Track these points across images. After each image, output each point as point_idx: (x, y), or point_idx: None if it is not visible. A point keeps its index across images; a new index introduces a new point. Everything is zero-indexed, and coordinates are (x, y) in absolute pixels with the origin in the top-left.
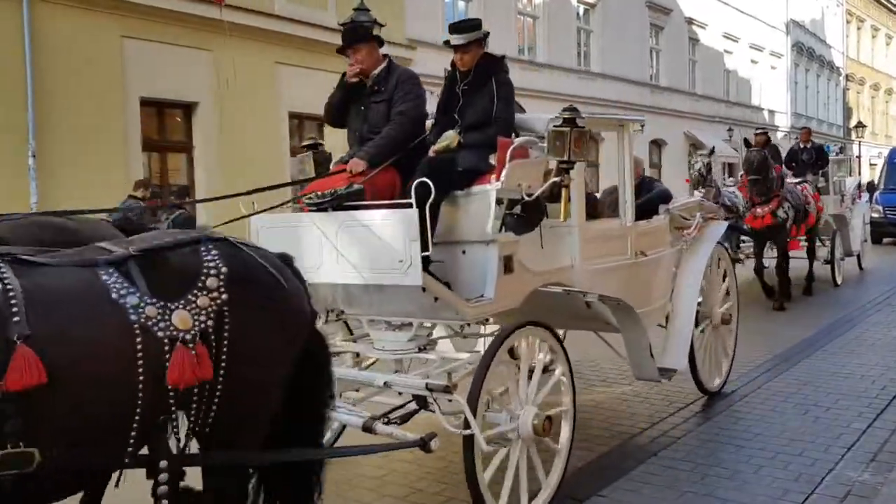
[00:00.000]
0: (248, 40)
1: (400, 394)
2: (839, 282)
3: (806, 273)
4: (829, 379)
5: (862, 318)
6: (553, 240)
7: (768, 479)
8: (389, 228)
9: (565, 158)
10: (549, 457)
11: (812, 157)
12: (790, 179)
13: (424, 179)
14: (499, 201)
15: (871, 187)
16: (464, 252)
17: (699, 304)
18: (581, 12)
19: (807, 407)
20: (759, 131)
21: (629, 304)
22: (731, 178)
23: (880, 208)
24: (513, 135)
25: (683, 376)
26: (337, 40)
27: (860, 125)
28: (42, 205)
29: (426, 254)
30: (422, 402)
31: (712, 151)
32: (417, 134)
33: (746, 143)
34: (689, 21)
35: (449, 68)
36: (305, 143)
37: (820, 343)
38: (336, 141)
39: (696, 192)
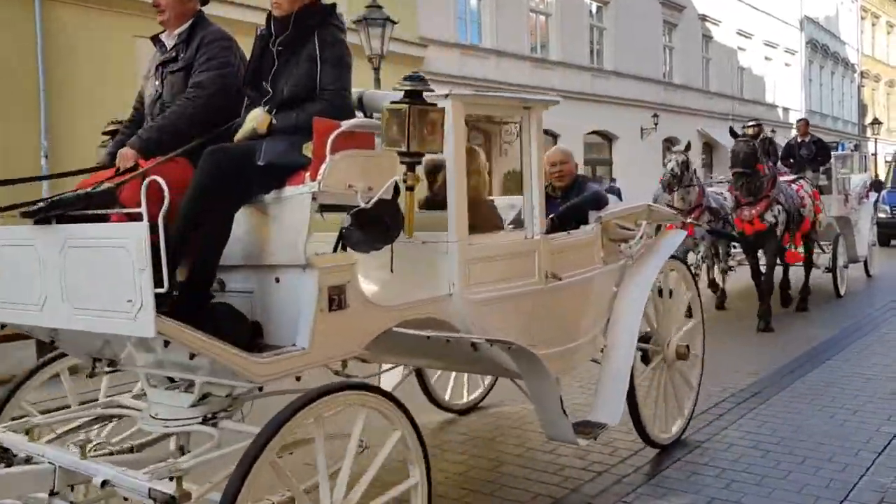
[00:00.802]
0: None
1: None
2: (842, 292)
3: (801, 285)
4: (854, 380)
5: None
6: (422, 261)
7: (798, 486)
8: (115, 252)
9: (403, 149)
10: None
11: (811, 153)
12: (784, 177)
13: (156, 178)
14: (326, 208)
15: (878, 186)
16: (277, 280)
17: (648, 334)
18: (594, 10)
19: (833, 410)
20: (751, 122)
21: (525, 346)
22: (722, 176)
23: (887, 208)
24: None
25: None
26: (350, 39)
27: (876, 122)
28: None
29: (160, 291)
30: None
31: (688, 147)
32: (223, 114)
33: (732, 132)
34: (703, 18)
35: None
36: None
37: (843, 343)
38: None
39: (666, 195)
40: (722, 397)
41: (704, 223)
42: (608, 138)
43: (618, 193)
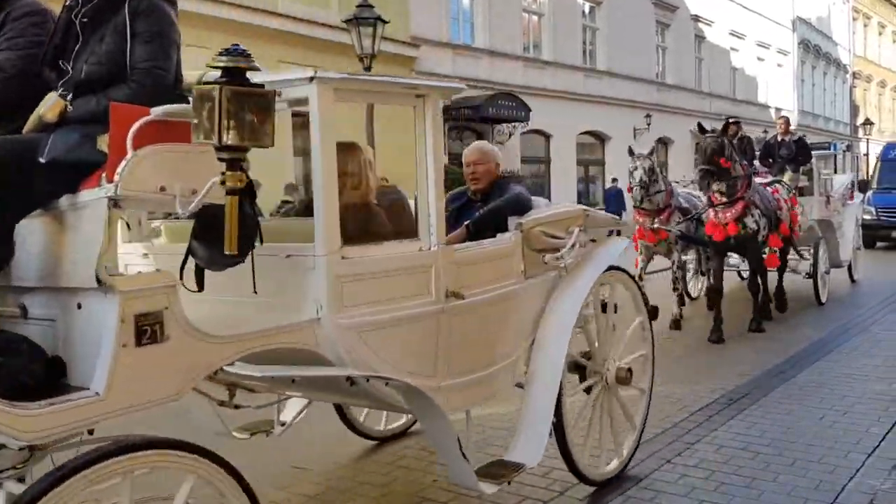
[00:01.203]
0: (249, 38)
1: None
2: (824, 299)
3: (775, 289)
4: (844, 381)
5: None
6: (287, 279)
7: (787, 488)
8: None
9: (214, 141)
10: None
11: (792, 152)
12: (759, 179)
13: None
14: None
15: (863, 186)
16: (79, 305)
17: (585, 356)
18: (587, 10)
19: (823, 411)
20: (731, 119)
21: (414, 379)
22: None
23: (873, 209)
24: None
25: (694, 379)
26: (341, 38)
27: (867, 122)
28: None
29: None
30: None
31: (652, 152)
32: (27, 103)
33: (701, 129)
34: (696, 18)
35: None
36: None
37: (831, 345)
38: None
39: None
40: (712, 398)
41: (675, 226)
42: (601, 138)
43: (619, 194)
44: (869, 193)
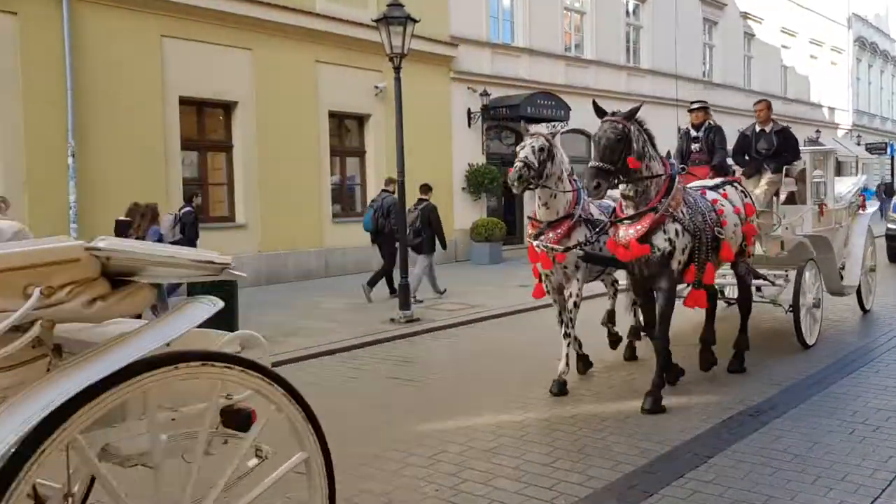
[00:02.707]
0: (288, 39)
1: None
2: (811, 341)
3: (737, 338)
4: (880, 394)
5: None
6: None
7: None
8: None
9: None
10: None
11: (772, 146)
12: (695, 182)
13: None
14: None
15: (889, 190)
16: None
17: None
18: (631, 8)
19: (853, 425)
20: (695, 104)
21: None
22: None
23: None
24: None
25: (720, 389)
26: (377, 37)
27: None
28: (81, 203)
29: None
30: None
31: (558, 129)
32: None
33: (597, 109)
34: (745, 15)
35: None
36: None
37: (871, 355)
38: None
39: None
40: (736, 409)
41: (575, 244)
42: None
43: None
44: (894, 199)
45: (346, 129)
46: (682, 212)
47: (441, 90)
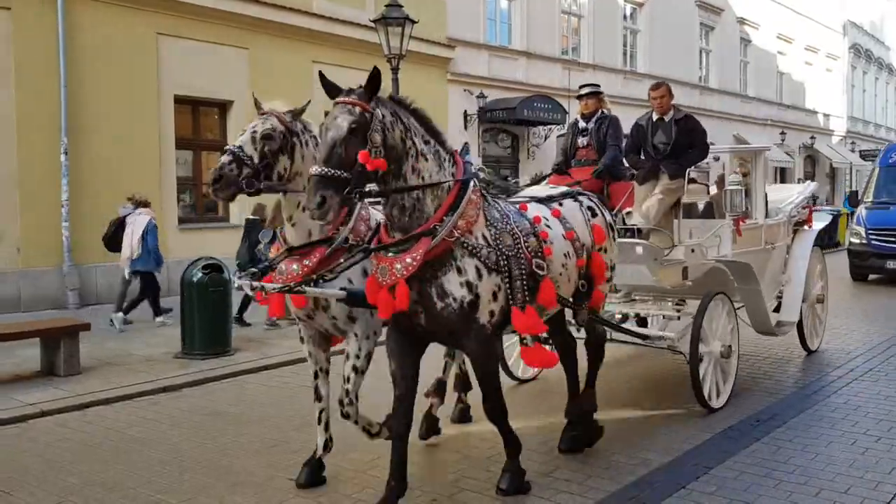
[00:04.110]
0: (285, 38)
1: None
2: (718, 402)
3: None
4: (882, 404)
5: None
6: None
7: None
8: None
9: None
10: None
11: (670, 140)
12: (531, 192)
13: None
14: None
15: (853, 200)
16: None
17: None
18: (628, 12)
19: (855, 436)
20: (584, 88)
21: None
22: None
23: (862, 231)
24: None
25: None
26: (375, 38)
27: None
28: (73, 202)
29: None
30: None
31: (301, 111)
32: None
33: (328, 85)
34: (741, 21)
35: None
36: None
37: (872, 364)
38: None
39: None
40: (737, 419)
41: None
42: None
43: None
44: (860, 210)
45: None
46: (481, 236)
47: (438, 92)
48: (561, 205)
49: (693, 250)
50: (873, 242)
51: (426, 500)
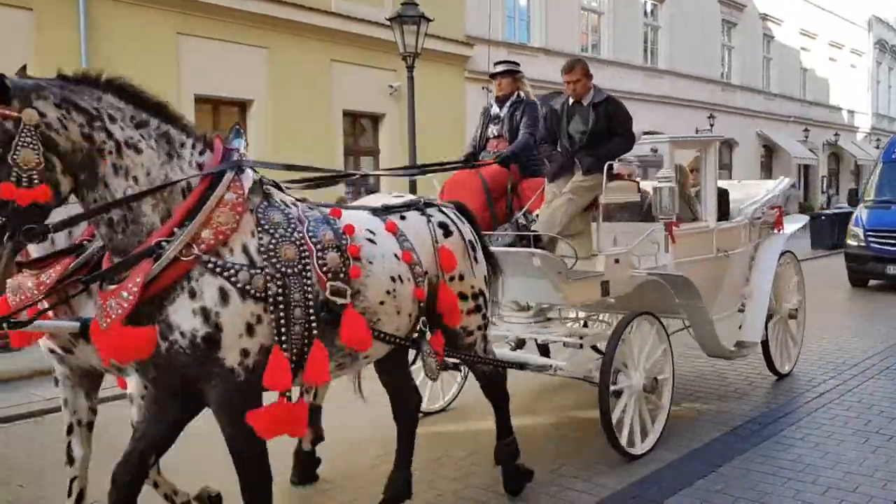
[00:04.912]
0: (303, 38)
1: None
2: (637, 449)
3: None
4: None
5: None
6: None
7: None
8: None
9: None
10: None
11: (587, 128)
12: (363, 202)
13: None
14: None
15: (851, 198)
16: None
17: None
18: (649, 8)
19: (867, 434)
20: (498, 66)
21: None
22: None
23: (860, 232)
24: None
25: (732, 395)
26: (392, 36)
27: None
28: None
29: None
30: None
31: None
32: None
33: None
34: (764, 17)
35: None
36: None
37: (889, 362)
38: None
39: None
40: (746, 417)
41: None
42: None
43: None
44: (858, 210)
45: (361, 129)
46: (240, 249)
47: (455, 90)
48: (403, 217)
49: (617, 260)
50: (872, 245)
51: (433, 496)
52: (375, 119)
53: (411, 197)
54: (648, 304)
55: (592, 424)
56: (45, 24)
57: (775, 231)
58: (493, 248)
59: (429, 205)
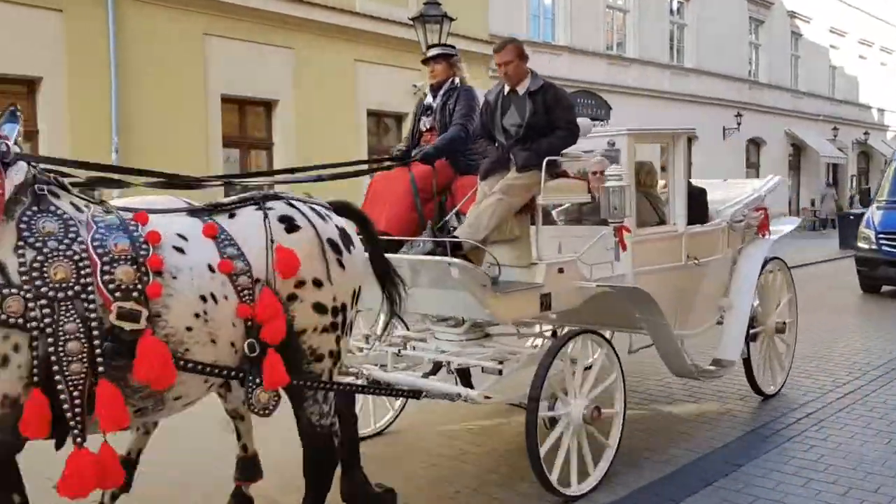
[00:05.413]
0: (328, 38)
1: None
2: (580, 488)
3: None
4: None
5: None
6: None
7: None
8: None
9: None
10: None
11: (523, 119)
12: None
13: None
14: None
15: (864, 198)
16: None
17: None
18: (675, 6)
19: (890, 435)
20: (432, 50)
21: None
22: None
23: (871, 234)
24: None
25: (756, 396)
26: (415, 36)
27: None
28: (124, 198)
29: None
30: None
31: None
32: None
33: None
34: (792, 14)
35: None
36: None
37: None
38: None
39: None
40: (768, 417)
41: None
42: (688, 138)
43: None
44: (871, 211)
45: (385, 128)
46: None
47: (479, 89)
48: (232, 216)
49: (561, 270)
50: (884, 248)
51: (450, 492)
52: (399, 118)
53: (250, 193)
54: (603, 318)
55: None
56: (75, 25)
57: (760, 235)
58: (407, 257)
59: (271, 197)
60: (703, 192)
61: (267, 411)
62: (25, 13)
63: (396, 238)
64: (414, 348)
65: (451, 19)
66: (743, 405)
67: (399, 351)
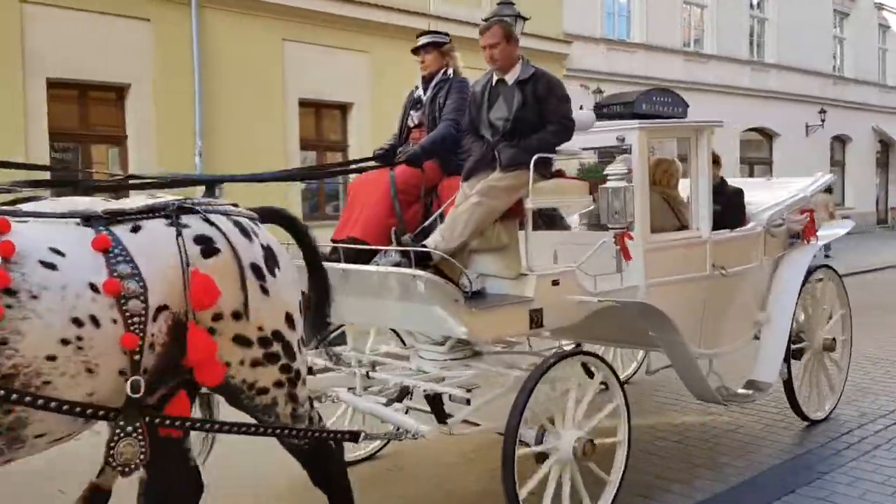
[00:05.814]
0: (403, 41)
1: None
2: None
3: None
4: None
5: None
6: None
7: None
8: None
9: None
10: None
11: (510, 113)
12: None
13: None
14: None
15: None
16: None
17: None
18: (755, 1)
19: None
20: (421, 38)
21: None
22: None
23: None
24: None
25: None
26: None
27: None
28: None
29: None
30: None
31: None
32: None
33: None
34: (879, 6)
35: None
36: None
37: None
38: None
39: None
40: (857, 424)
41: None
42: (768, 136)
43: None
44: None
45: None
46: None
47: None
48: (136, 230)
49: (556, 282)
50: None
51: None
52: None
53: (165, 200)
54: (615, 335)
55: (692, 427)
56: (162, 33)
57: (805, 242)
58: (374, 268)
59: (188, 210)
60: (739, 192)
61: (127, 470)
62: (115, 23)
63: (366, 248)
64: (380, 369)
65: (525, 19)
66: (784, 429)
67: (368, 373)
